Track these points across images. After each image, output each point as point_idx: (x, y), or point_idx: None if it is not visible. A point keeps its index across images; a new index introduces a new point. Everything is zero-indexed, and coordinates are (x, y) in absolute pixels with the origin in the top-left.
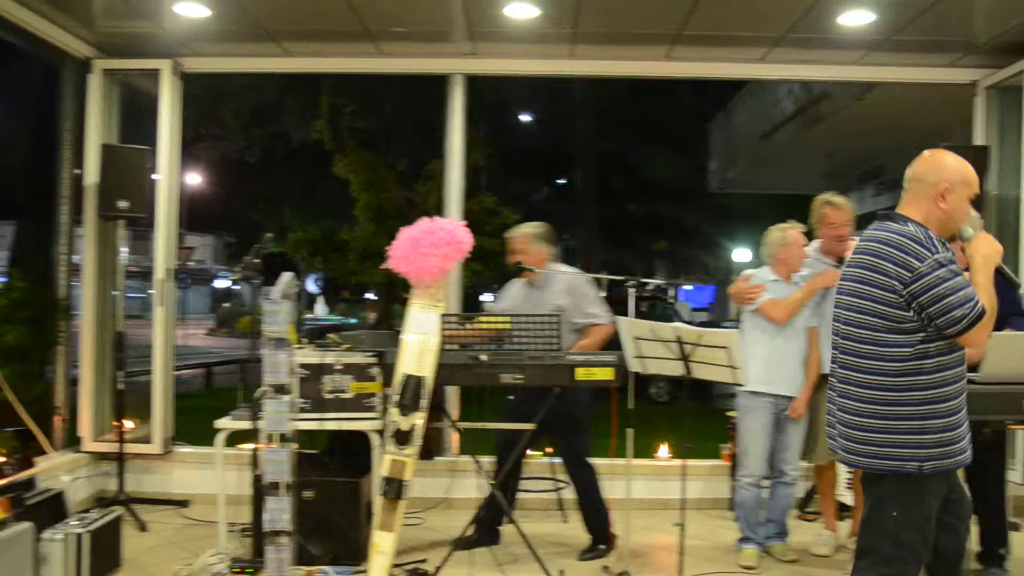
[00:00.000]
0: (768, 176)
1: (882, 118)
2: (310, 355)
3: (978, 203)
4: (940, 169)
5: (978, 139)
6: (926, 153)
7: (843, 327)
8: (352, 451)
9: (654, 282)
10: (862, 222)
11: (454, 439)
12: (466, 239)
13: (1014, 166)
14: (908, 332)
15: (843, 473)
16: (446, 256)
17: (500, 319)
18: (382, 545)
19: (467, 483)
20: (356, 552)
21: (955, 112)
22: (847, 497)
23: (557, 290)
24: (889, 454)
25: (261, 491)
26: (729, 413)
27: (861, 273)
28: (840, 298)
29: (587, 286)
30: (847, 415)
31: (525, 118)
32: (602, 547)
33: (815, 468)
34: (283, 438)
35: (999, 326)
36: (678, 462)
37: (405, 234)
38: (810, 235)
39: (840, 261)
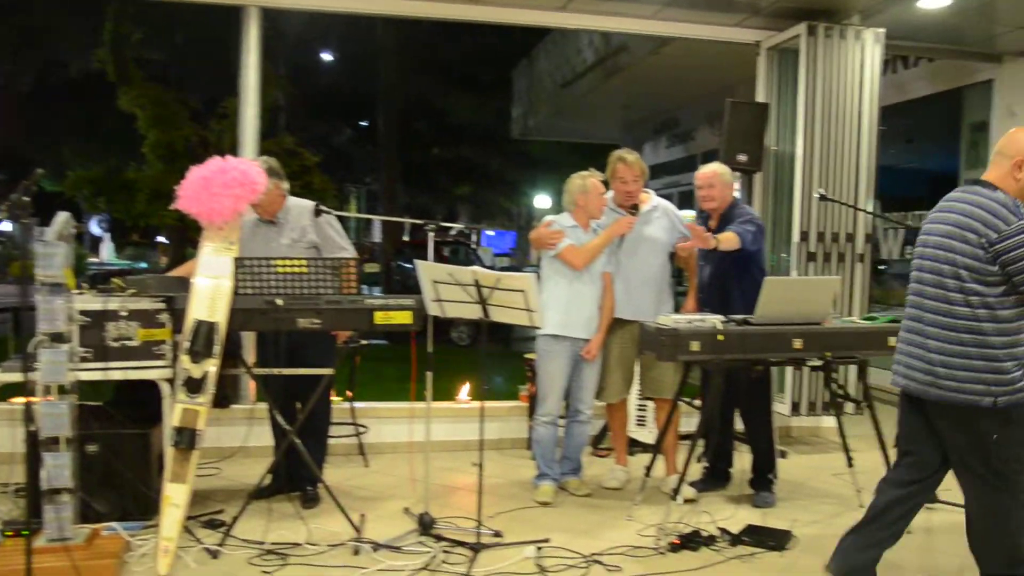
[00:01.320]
0: (569, 125)
1: (676, 72)
2: (91, 301)
3: (758, 157)
4: (1018, 144)
5: (760, 96)
6: (1012, 130)
7: (931, 276)
8: (141, 401)
9: (455, 226)
10: (656, 172)
11: (251, 386)
12: (260, 179)
13: (791, 123)
14: (991, 284)
15: (634, 411)
16: (239, 197)
17: (296, 263)
18: (175, 497)
19: (265, 431)
20: (147, 506)
21: (742, 70)
22: (638, 434)
23: (295, 226)
24: (969, 389)
25: (37, 447)
26: (528, 356)
27: (951, 230)
28: (926, 250)
29: (332, 221)
30: (936, 355)
31: (327, 57)
32: (311, 490)
33: (607, 407)
34: (62, 390)
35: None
36: (477, 404)
37: (196, 173)
38: (608, 184)
39: (635, 209)
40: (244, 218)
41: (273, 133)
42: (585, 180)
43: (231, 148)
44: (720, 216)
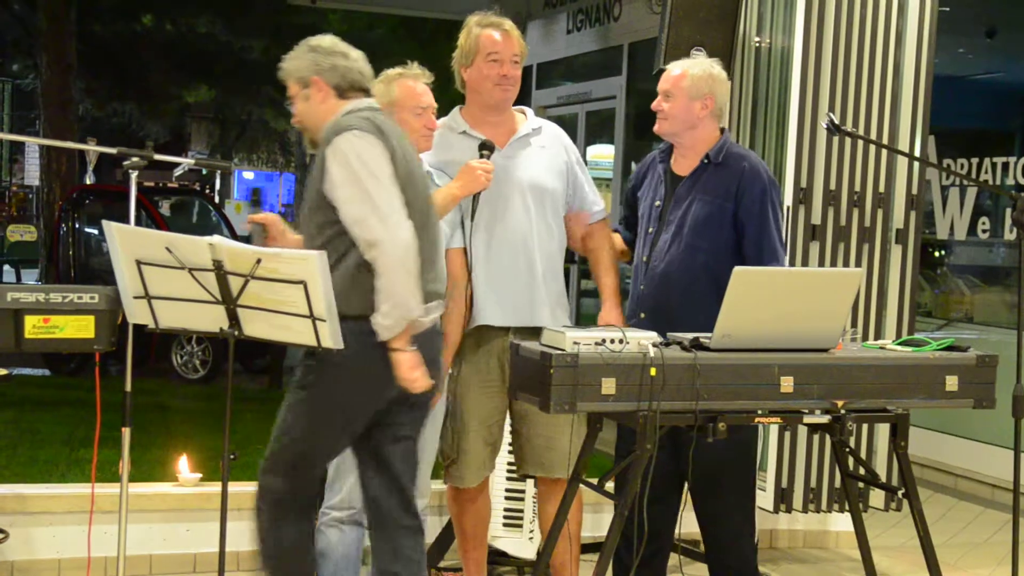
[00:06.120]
0: None
1: None
2: None
3: (726, 55)
4: None
5: None
6: None
7: None
8: None
9: (182, 161)
10: (548, 74)
11: None
12: None
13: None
14: None
15: (501, 501)
16: None
17: None
18: None
19: None
20: None
21: None
22: (508, 541)
23: None
24: None
25: None
26: None
27: None
28: None
29: None
30: None
31: None
32: None
33: (453, 493)
34: None
35: None
36: (214, 486)
37: None
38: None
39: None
40: None
41: None
42: (391, 84)
43: None
44: (695, 159)
